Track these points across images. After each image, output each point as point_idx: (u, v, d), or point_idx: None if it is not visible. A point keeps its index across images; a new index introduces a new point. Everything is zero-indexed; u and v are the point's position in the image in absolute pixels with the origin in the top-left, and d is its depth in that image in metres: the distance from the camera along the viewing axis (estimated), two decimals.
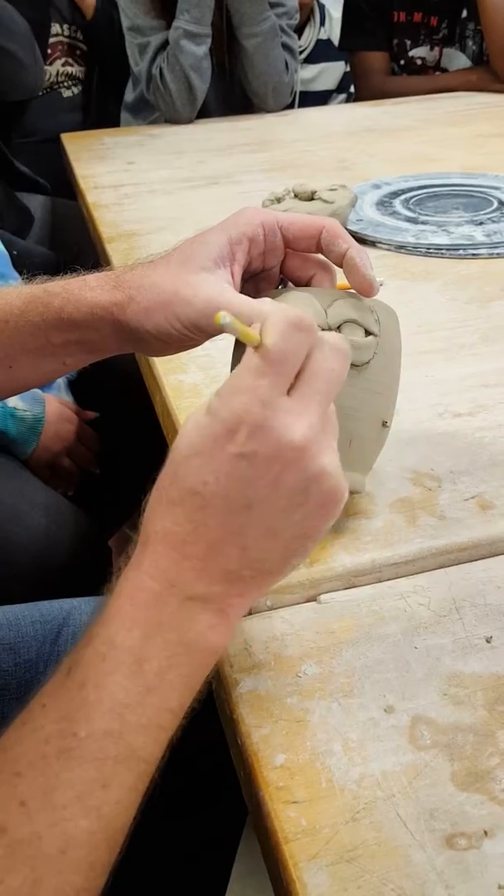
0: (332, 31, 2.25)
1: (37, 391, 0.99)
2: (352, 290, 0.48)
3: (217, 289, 0.44)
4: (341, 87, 2.36)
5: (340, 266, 0.48)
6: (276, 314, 0.34)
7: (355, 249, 0.47)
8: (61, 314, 0.46)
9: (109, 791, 0.31)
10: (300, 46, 2.11)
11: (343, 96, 2.37)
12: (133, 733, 0.32)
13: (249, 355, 0.34)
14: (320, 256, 0.49)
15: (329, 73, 2.32)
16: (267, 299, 0.45)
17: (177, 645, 0.33)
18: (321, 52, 2.27)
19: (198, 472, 0.34)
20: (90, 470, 1.05)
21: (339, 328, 0.46)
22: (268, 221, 0.46)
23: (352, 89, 2.26)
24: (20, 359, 0.49)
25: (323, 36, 2.26)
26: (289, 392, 0.34)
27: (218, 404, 0.34)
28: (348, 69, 2.25)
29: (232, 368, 0.49)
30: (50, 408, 0.98)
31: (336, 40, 2.21)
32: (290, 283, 0.50)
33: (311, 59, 2.26)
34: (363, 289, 0.47)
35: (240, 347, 0.49)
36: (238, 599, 0.35)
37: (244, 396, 0.33)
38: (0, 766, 0.31)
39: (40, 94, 1.81)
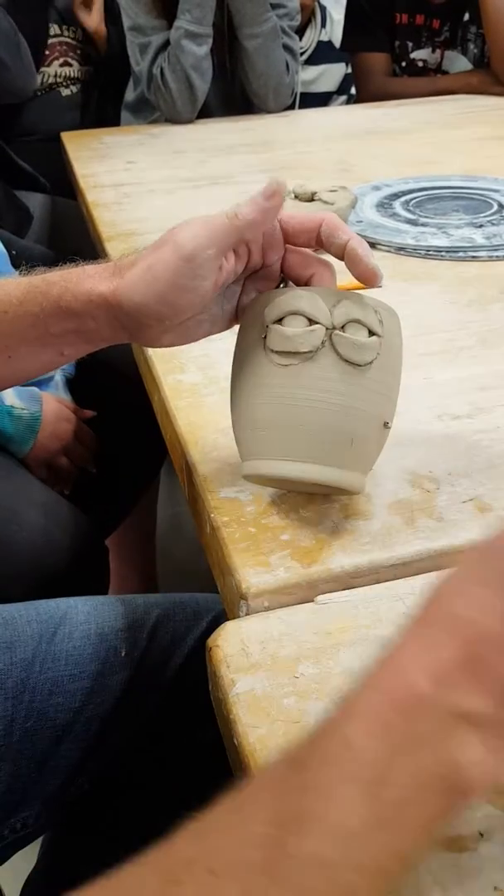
0: (334, 32, 2.26)
1: (34, 389, 0.99)
2: (352, 291, 0.48)
3: (204, 223, 0.45)
4: (342, 89, 2.36)
5: (341, 259, 0.48)
6: None
7: (356, 241, 0.46)
8: (59, 303, 0.47)
9: None
10: (301, 48, 2.11)
11: (344, 98, 2.37)
12: (350, 870, 0.25)
13: None
14: (320, 255, 0.49)
15: (330, 75, 2.32)
16: None
17: (428, 773, 0.26)
18: (322, 53, 2.27)
19: None
20: (87, 469, 1.05)
21: (343, 327, 0.46)
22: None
23: (352, 91, 2.27)
24: (19, 349, 0.49)
25: (324, 37, 2.27)
26: None
27: None
28: (349, 71, 2.25)
29: (236, 356, 0.49)
30: (47, 406, 0.97)
31: (337, 42, 2.22)
32: (290, 283, 0.50)
33: (311, 60, 2.26)
34: (367, 278, 0.47)
35: (245, 338, 0.49)
36: None
37: None
38: (197, 854, 0.26)
39: (39, 93, 1.81)
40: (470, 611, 0.27)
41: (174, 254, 0.44)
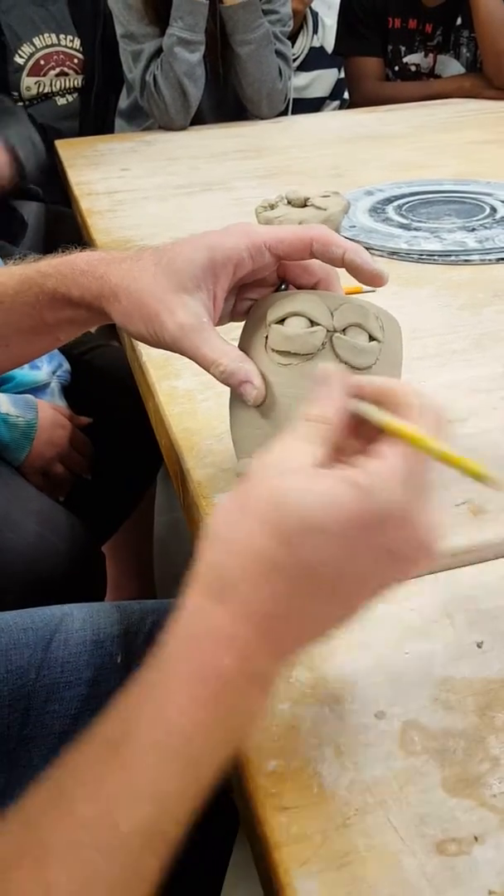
0: (326, 38, 2.26)
1: (30, 397, 0.99)
2: (355, 297, 0.48)
3: (195, 321, 0.45)
4: (334, 94, 2.36)
5: (342, 267, 0.48)
6: (431, 404, 0.33)
7: (352, 251, 0.47)
8: (55, 295, 0.48)
9: (139, 882, 0.29)
10: (293, 54, 2.11)
11: (336, 103, 2.37)
12: (169, 822, 0.30)
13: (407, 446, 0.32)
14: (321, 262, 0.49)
15: (322, 81, 2.32)
16: (234, 350, 0.46)
17: (228, 729, 0.31)
18: (314, 59, 2.28)
19: (322, 552, 0.30)
20: (83, 476, 1.05)
21: (344, 331, 0.46)
22: (254, 244, 0.46)
23: (345, 96, 2.27)
24: (15, 337, 0.51)
25: (316, 43, 2.27)
26: None
27: (374, 487, 0.30)
28: (341, 76, 2.26)
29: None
30: (43, 414, 0.98)
31: (329, 48, 2.22)
32: (290, 286, 0.50)
33: (304, 66, 2.27)
34: (373, 282, 0.47)
35: (248, 337, 0.49)
36: (281, 672, 0.33)
37: (409, 493, 0.31)
38: (27, 842, 0.29)
39: (35, 102, 1.81)
40: (270, 601, 0.31)
41: (168, 334, 0.46)
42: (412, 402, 0.33)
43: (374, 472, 0.31)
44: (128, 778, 0.29)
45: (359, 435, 0.35)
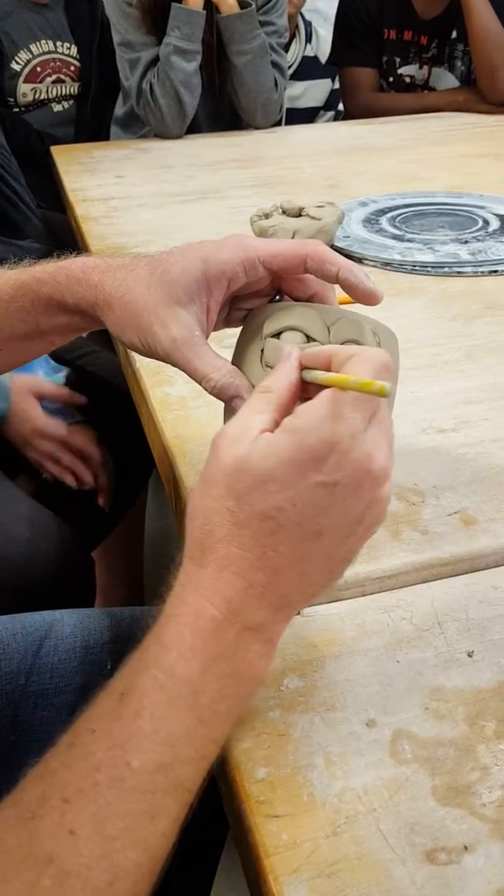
0: (319, 48, 2.27)
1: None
2: (353, 311, 0.48)
3: (187, 334, 0.45)
4: (328, 105, 2.38)
5: (336, 283, 0.48)
6: (368, 353, 0.35)
7: (346, 270, 0.46)
8: (50, 301, 0.48)
9: (157, 823, 0.31)
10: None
11: (331, 113, 2.39)
12: (182, 765, 0.32)
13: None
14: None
15: (315, 91, 2.34)
16: (222, 361, 0.46)
17: (229, 676, 0.34)
18: (307, 69, 2.29)
19: (274, 498, 0.33)
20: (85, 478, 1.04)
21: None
22: (248, 259, 0.46)
23: (339, 107, 2.28)
24: (9, 343, 0.51)
25: (309, 53, 2.28)
26: None
27: (304, 427, 0.34)
28: (336, 86, 2.27)
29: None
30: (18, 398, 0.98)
31: (323, 58, 2.23)
32: (286, 296, 0.50)
33: (297, 75, 2.28)
34: (368, 301, 0.47)
35: (243, 349, 0.49)
36: (282, 625, 0.36)
37: (337, 425, 0.33)
38: (47, 790, 0.30)
39: (31, 108, 1.82)
40: (242, 552, 0.34)
41: (160, 347, 0.46)
42: (349, 356, 0.36)
43: (300, 414, 0.34)
44: (136, 722, 0.31)
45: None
